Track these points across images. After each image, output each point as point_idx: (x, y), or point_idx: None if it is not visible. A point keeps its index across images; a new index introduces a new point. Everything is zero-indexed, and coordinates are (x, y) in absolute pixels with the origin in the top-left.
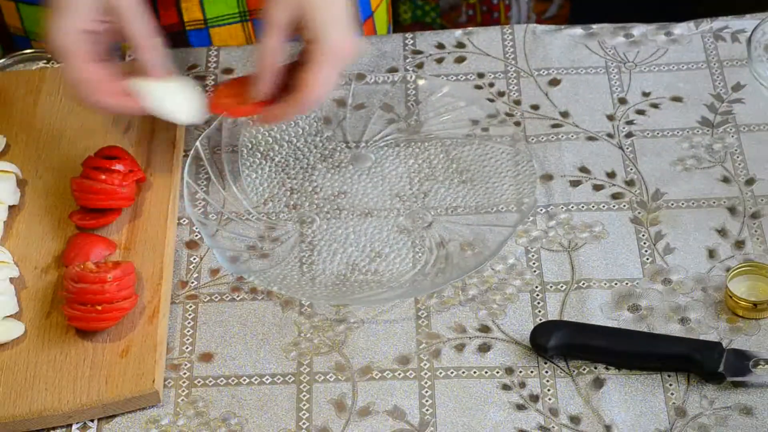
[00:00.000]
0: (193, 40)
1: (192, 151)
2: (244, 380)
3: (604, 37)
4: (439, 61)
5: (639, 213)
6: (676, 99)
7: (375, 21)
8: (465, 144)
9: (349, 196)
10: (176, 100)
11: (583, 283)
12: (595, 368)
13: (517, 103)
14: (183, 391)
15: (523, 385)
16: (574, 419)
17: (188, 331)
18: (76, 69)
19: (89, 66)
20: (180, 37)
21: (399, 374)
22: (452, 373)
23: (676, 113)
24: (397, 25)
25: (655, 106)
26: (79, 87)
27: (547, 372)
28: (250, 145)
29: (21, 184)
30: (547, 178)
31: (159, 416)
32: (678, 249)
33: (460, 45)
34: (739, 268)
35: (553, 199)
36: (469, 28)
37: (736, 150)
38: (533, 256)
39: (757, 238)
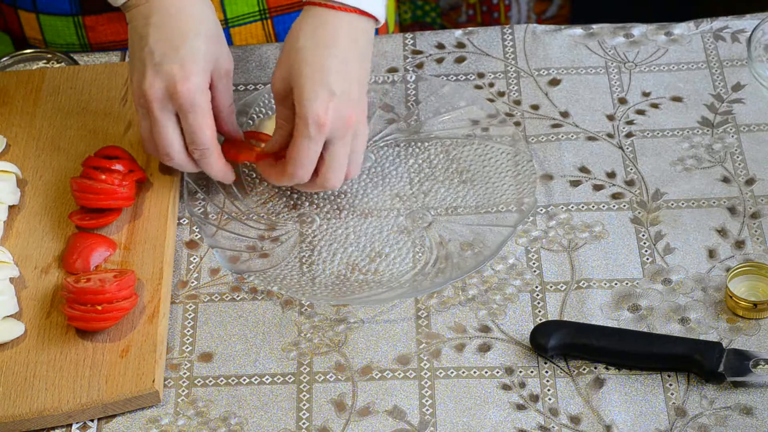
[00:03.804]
0: None
1: None
2: (244, 380)
3: (604, 37)
4: (439, 61)
5: (639, 213)
6: (676, 99)
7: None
8: (465, 144)
9: (349, 196)
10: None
11: (583, 283)
12: (595, 368)
13: (517, 103)
14: (183, 391)
15: (523, 385)
16: (574, 419)
17: (188, 331)
18: (204, 126)
19: (212, 125)
20: None
21: (399, 374)
22: (452, 373)
23: (676, 113)
24: (398, 26)
25: (655, 106)
26: (199, 145)
27: (547, 372)
28: None
29: (21, 184)
30: (547, 178)
31: (159, 416)
32: (678, 249)
33: (460, 45)
34: (739, 268)
35: (553, 199)
36: (469, 28)
37: (736, 150)
38: (533, 256)
39: (757, 238)
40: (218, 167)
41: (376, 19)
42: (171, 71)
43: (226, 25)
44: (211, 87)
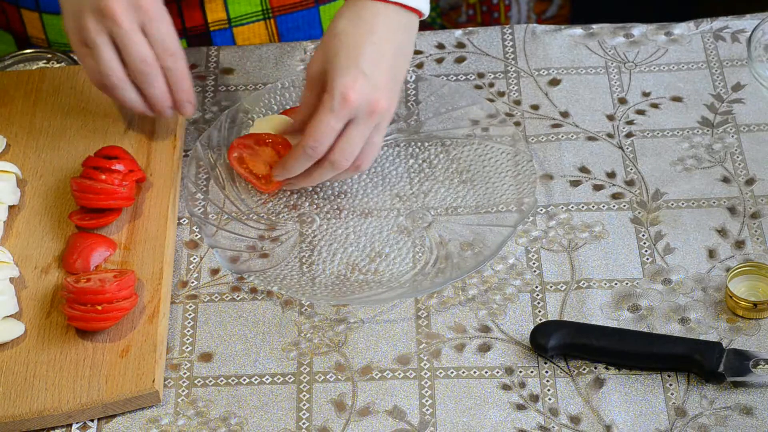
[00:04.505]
0: (216, 41)
1: (192, 151)
2: (244, 380)
3: (604, 37)
4: (439, 61)
5: (639, 213)
6: (676, 99)
7: None
8: (465, 144)
9: (349, 196)
10: None
11: (583, 283)
12: (595, 368)
13: (517, 103)
14: (183, 391)
15: (523, 385)
16: (574, 419)
17: (188, 331)
18: (172, 35)
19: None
20: (204, 38)
21: (399, 374)
22: (452, 373)
23: (676, 113)
24: None
25: (655, 106)
26: (177, 54)
27: (547, 372)
28: None
29: (21, 184)
30: (547, 178)
31: (159, 416)
32: (678, 249)
33: (460, 45)
34: (739, 268)
35: (553, 199)
36: (469, 28)
37: (736, 150)
38: (533, 256)
39: (757, 238)
40: (187, 84)
41: (419, 13)
42: None
43: (229, 24)
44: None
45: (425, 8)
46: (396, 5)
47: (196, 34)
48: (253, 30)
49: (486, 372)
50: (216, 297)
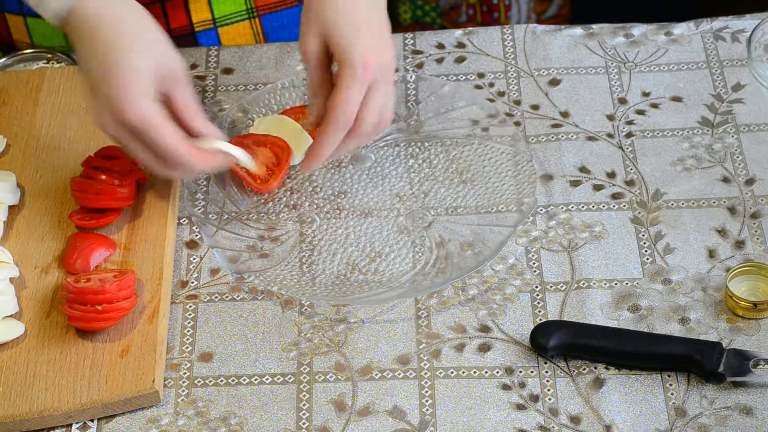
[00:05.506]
0: (201, 41)
1: None
2: (244, 380)
3: (604, 37)
4: (439, 61)
5: (639, 213)
6: (676, 99)
7: None
8: (465, 144)
9: (349, 196)
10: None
11: (583, 283)
12: (595, 368)
13: (517, 103)
14: (183, 391)
15: (523, 385)
16: (574, 419)
17: (188, 331)
18: (168, 139)
19: (176, 133)
20: (188, 39)
21: (399, 374)
22: (452, 373)
23: (676, 113)
24: (397, 25)
25: (655, 106)
26: (174, 157)
27: (547, 372)
28: None
29: (21, 184)
30: (547, 178)
31: (159, 416)
32: (678, 249)
33: (460, 45)
34: (739, 268)
35: (553, 199)
36: (469, 28)
37: (736, 150)
38: (533, 256)
39: (757, 238)
40: (201, 163)
41: None
42: (112, 98)
43: (214, 24)
44: (168, 96)
45: None
46: None
47: (181, 35)
48: (238, 29)
49: (486, 372)
50: (216, 297)
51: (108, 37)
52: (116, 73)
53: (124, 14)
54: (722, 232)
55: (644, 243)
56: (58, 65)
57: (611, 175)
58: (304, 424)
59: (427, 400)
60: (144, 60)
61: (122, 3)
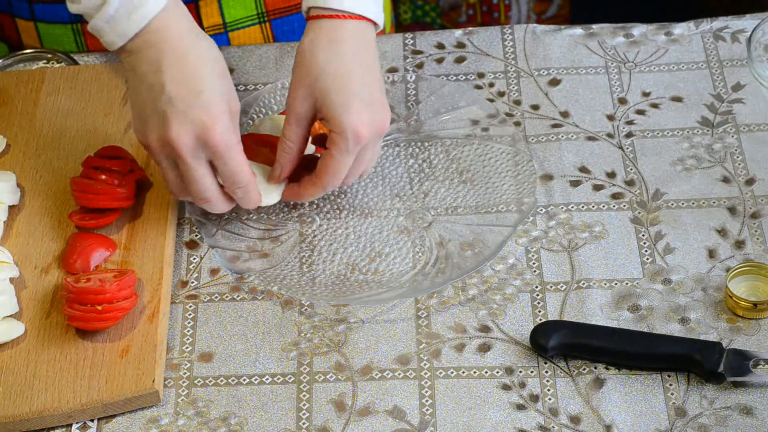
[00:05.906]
0: None
1: None
2: (244, 380)
3: (604, 37)
4: (439, 61)
5: (639, 213)
6: (676, 99)
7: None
8: (465, 144)
9: (349, 196)
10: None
11: (583, 283)
12: (595, 368)
13: (517, 103)
14: (183, 391)
15: (523, 385)
16: (574, 419)
17: (188, 331)
18: (242, 167)
19: (246, 161)
20: None
21: (399, 374)
22: (452, 373)
23: (676, 113)
24: (397, 25)
25: (655, 106)
26: (239, 181)
27: (547, 372)
28: None
29: (21, 184)
30: (547, 178)
31: (159, 416)
32: (678, 249)
33: (460, 45)
34: (739, 268)
35: (553, 199)
36: (469, 28)
37: (736, 150)
38: (533, 256)
39: (757, 238)
40: (257, 199)
41: (376, 25)
42: (199, 118)
43: (225, 29)
44: None
45: (381, 20)
46: (359, 19)
47: None
48: (249, 34)
49: (486, 372)
50: (216, 297)
51: (187, 60)
52: (204, 95)
53: (205, 45)
54: (722, 232)
55: (644, 243)
56: (58, 65)
57: (611, 175)
58: (304, 424)
59: (427, 400)
60: (221, 83)
61: (200, 31)
